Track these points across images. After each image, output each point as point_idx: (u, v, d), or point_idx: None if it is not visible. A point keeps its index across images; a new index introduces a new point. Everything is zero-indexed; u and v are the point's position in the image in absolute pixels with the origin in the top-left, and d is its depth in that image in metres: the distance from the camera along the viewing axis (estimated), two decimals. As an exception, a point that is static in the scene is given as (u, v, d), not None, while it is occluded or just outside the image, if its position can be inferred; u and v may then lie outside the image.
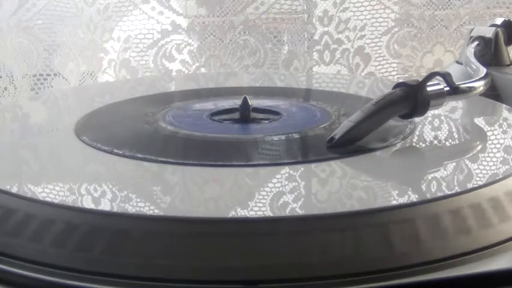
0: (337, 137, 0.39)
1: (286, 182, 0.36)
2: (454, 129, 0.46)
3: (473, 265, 0.29)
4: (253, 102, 0.46)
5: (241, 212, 0.32)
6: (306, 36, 0.77)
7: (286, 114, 0.47)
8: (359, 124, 0.39)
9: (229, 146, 0.41)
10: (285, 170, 0.37)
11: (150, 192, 0.35)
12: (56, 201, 0.32)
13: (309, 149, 0.42)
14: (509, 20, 0.61)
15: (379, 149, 0.39)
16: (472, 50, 0.58)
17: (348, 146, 0.39)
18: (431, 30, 0.79)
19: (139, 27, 0.72)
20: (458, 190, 0.33)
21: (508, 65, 0.60)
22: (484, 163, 0.38)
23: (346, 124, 0.39)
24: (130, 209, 0.32)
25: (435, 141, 0.42)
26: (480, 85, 0.46)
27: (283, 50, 0.77)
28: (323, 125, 0.44)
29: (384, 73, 0.80)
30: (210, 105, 0.49)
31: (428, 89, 0.41)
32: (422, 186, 0.35)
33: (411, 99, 0.40)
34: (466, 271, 0.29)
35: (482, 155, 0.40)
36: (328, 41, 0.77)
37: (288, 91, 0.57)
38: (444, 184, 0.35)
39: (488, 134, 0.45)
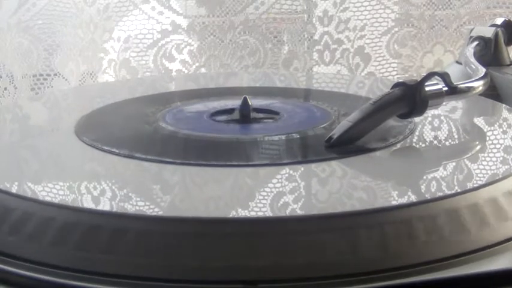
0: (335, 136, 0.39)
1: (286, 182, 0.36)
2: (453, 129, 0.46)
3: (472, 265, 0.29)
4: (253, 102, 0.46)
5: (241, 212, 0.32)
6: (306, 36, 0.77)
7: (286, 114, 0.47)
8: (357, 124, 0.39)
9: (229, 146, 0.41)
10: (285, 170, 0.37)
11: (149, 192, 0.35)
12: (55, 201, 0.32)
13: (308, 149, 0.42)
14: (509, 20, 0.61)
15: (378, 149, 0.39)
16: (472, 50, 0.58)
17: (346, 145, 0.39)
18: (431, 30, 0.79)
19: (139, 27, 0.72)
20: (458, 190, 0.33)
21: (508, 65, 0.60)
22: (484, 163, 0.38)
23: (344, 124, 0.39)
24: (130, 208, 0.32)
25: (435, 142, 0.42)
26: (479, 85, 0.46)
27: (283, 50, 0.77)
28: (323, 125, 0.44)
29: (383, 73, 0.80)
30: (210, 105, 0.49)
31: (427, 88, 0.41)
32: (422, 187, 0.35)
33: (409, 99, 0.40)
34: (465, 271, 0.29)
35: (482, 155, 0.40)
36: (328, 41, 0.77)
37: (288, 91, 0.57)
38: (443, 184, 0.35)
39: (488, 134, 0.45)
